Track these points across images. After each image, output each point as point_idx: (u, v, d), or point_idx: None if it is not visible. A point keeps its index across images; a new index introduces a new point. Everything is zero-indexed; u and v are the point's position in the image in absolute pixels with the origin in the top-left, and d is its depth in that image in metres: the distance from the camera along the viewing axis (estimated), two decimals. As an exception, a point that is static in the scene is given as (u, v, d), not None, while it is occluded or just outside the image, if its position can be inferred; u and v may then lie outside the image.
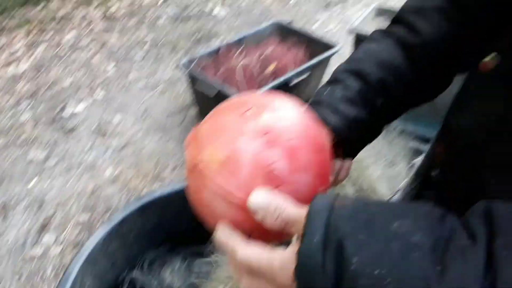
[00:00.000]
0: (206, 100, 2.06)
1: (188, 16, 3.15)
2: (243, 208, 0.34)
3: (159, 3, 3.26)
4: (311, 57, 2.15)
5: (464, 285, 0.22)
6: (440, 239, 0.25)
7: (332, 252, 0.26)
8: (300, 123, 0.38)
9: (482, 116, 0.41)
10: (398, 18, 0.53)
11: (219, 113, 0.41)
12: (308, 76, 2.10)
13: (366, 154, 1.46)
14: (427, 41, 0.49)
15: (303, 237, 0.28)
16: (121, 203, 1.72)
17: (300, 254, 0.28)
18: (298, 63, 2.16)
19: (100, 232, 1.02)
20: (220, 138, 0.37)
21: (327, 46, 2.20)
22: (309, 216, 0.29)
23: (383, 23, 2.10)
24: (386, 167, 1.44)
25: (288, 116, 0.38)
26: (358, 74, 0.50)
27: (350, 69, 0.51)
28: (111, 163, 1.91)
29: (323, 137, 0.40)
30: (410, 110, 0.54)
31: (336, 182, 0.54)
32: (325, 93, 0.51)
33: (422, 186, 0.59)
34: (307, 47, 2.27)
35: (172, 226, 1.22)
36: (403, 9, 0.53)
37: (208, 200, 0.37)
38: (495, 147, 0.38)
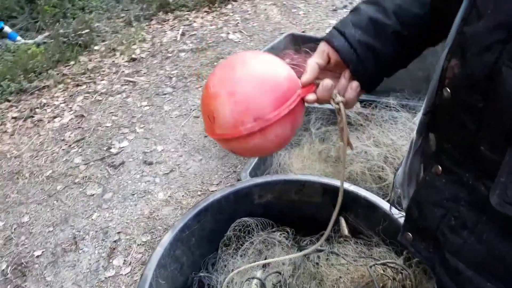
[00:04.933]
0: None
1: (206, 46, 3.34)
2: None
3: (177, 39, 3.48)
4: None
5: None
6: None
7: None
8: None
9: (500, 18, 0.42)
10: None
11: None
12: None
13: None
14: None
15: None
16: (177, 221, 1.84)
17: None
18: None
19: (166, 239, 1.14)
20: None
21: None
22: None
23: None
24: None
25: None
26: (375, 3, 0.57)
27: (369, 0, 0.59)
28: (162, 187, 2.05)
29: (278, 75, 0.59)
30: (425, 48, 0.60)
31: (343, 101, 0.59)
32: (340, 20, 0.59)
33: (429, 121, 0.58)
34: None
35: (226, 230, 1.31)
36: None
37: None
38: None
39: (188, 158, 2.25)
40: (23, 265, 1.76)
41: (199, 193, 2.01)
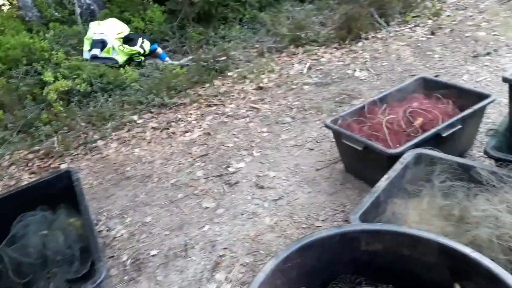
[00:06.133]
0: (353, 154, 2.16)
1: (331, 81, 3.39)
2: None
3: (303, 72, 3.60)
4: (463, 108, 2.09)
5: None
6: None
7: None
8: None
9: None
10: None
11: None
12: (462, 127, 2.03)
13: None
14: None
15: None
16: (279, 248, 1.88)
17: None
18: (449, 116, 2.12)
19: (268, 266, 1.17)
20: None
21: (480, 96, 2.13)
22: None
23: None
24: None
25: None
26: None
27: None
28: (269, 213, 2.12)
29: None
30: None
31: None
32: None
33: None
34: (458, 98, 2.22)
35: (327, 271, 1.29)
36: None
37: None
38: None
39: (297, 188, 2.28)
40: (139, 260, 1.97)
41: (304, 225, 2.01)
